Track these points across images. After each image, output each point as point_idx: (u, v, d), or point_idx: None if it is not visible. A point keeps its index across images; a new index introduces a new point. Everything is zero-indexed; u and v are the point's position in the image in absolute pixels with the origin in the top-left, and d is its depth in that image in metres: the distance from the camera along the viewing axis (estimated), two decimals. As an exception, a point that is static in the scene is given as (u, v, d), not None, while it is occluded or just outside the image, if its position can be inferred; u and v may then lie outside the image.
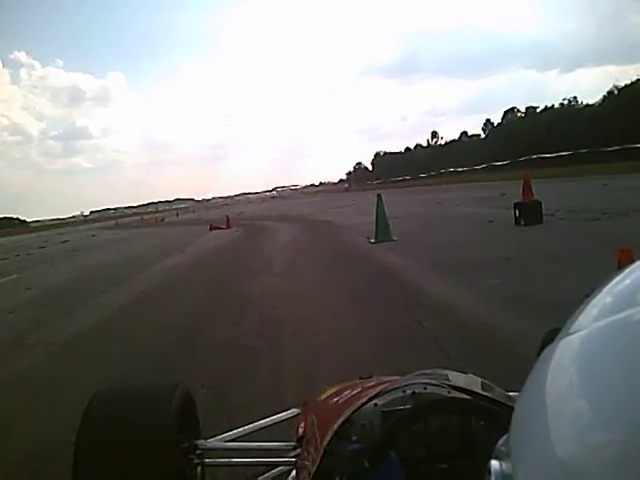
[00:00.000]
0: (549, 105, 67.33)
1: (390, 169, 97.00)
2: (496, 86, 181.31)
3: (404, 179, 74.44)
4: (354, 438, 1.05)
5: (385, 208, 11.13)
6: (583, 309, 0.51)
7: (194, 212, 67.04)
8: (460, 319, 4.70)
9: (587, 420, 0.39)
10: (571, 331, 0.48)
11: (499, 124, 77.94)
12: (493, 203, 16.93)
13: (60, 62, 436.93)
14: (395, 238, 10.77)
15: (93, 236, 32.08)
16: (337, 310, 5.61)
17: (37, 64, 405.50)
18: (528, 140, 53.50)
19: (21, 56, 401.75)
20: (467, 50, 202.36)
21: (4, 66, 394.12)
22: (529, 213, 10.41)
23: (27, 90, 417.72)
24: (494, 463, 0.51)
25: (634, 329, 0.41)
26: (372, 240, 10.89)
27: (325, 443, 1.08)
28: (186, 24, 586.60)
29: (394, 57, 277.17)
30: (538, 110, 69.41)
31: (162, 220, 47.90)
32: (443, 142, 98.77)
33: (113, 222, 59.19)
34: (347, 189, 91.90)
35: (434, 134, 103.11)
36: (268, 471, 1.56)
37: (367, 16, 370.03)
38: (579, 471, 0.36)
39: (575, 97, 63.63)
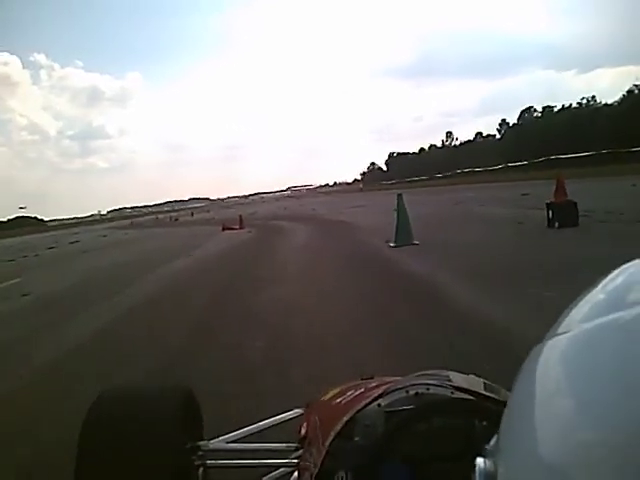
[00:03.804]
0: (566, 105, 66.59)
1: (404, 169, 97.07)
2: (511, 87, 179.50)
3: (420, 179, 73.51)
4: (357, 438, 1.05)
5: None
6: (571, 310, 0.51)
7: (209, 212, 66.75)
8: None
9: (572, 420, 0.39)
10: (559, 332, 0.49)
11: (515, 124, 77.21)
12: (517, 203, 16.05)
13: (80, 63, 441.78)
14: (417, 242, 9.89)
15: (104, 236, 31.69)
16: (361, 339, 4.36)
17: (57, 65, 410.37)
18: (545, 140, 52.79)
19: (41, 58, 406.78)
20: (482, 51, 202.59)
21: (24, 67, 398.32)
22: (563, 214, 9.55)
23: (47, 91, 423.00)
24: (479, 461, 0.51)
25: (621, 331, 0.42)
26: (392, 244, 10.03)
27: (328, 444, 1.07)
28: (202, 25, 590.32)
29: (409, 58, 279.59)
30: (555, 110, 68.58)
31: (176, 220, 47.49)
32: (458, 142, 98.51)
33: (128, 222, 59.15)
34: (361, 189, 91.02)
35: (449, 134, 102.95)
36: (270, 472, 1.53)
37: (382, 17, 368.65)
38: (562, 470, 0.37)
39: (594, 96, 62.64)
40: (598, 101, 60.30)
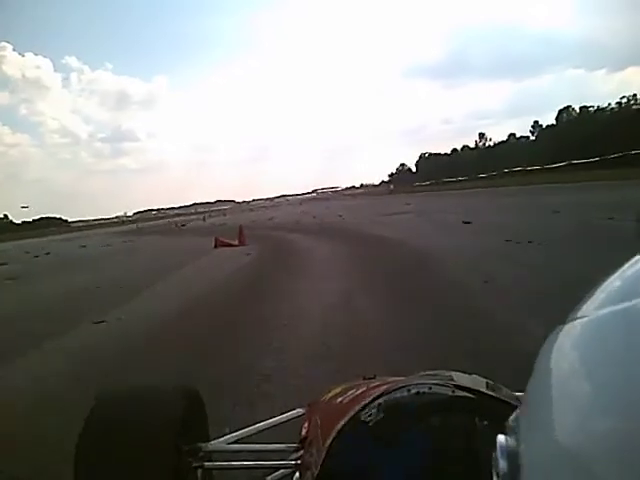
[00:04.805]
0: (604, 104, 64.86)
1: (435, 171, 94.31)
2: (542, 87, 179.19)
3: (458, 180, 67.07)
4: (359, 437, 1.05)
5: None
6: (590, 296, 0.53)
7: (225, 215, 61.53)
8: None
9: (589, 405, 0.41)
10: (577, 317, 0.51)
11: (548, 125, 76.26)
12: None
13: (109, 66, 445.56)
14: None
15: (82, 247, 26.26)
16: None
17: (87, 68, 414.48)
18: (583, 140, 51.10)
19: (72, 61, 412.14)
20: (510, 51, 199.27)
21: (55, 70, 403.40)
22: None
23: (77, 94, 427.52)
24: (501, 437, 0.53)
25: (635, 319, 0.43)
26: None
27: (328, 444, 1.07)
28: (228, 27, 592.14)
29: (438, 59, 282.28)
30: (592, 110, 67.02)
31: (182, 226, 42.22)
32: (492, 143, 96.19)
33: (134, 226, 54.38)
34: (391, 191, 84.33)
35: (482, 135, 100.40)
36: (271, 473, 1.49)
37: (410, 16, 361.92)
38: (581, 454, 0.38)
39: (635, 95, 59.91)
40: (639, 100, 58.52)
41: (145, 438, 1.30)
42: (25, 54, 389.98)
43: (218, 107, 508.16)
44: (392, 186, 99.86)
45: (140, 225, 55.65)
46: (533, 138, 80.00)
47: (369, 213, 25.56)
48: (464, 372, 1.16)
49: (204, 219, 52.76)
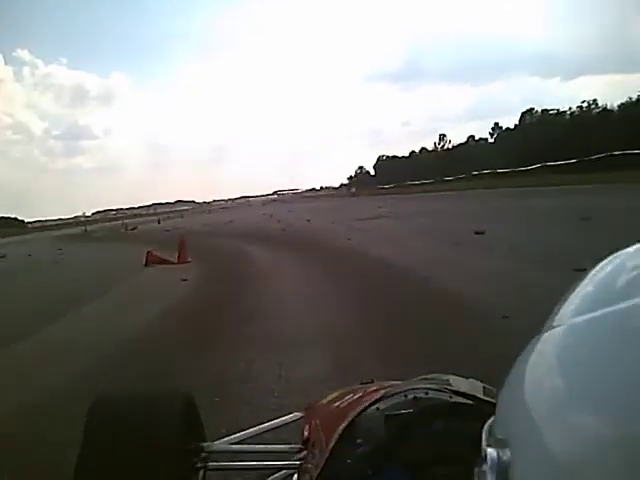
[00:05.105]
0: (565, 108, 64.93)
1: (394, 173, 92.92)
2: (498, 93, 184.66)
3: (422, 183, 66.07)
4: (358, 441, 1.04)
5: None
6: (564, 304, 0.54)
7: (182, 217, 57.65)
8: None
9: (575, 416, 0.41)
10: (553, 325, 0.51)
11: (508, 128, 75.82)
12: None
13: (64, 60, 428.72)
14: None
15: (3, 257, 22.79)
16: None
17: (40, 62, 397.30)
18: (546, 143, 50.65)
19: (24, 54, 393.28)
20: (468, 57, 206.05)
21: (6, 64, 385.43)
22: None
23: (30, 88, 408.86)
24: (490, 451, 0.52)
25: (611, 326, 0.44)
26: None
27: (330, 446, 1.08)
28: (189, 26, 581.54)
29: (395, 62, 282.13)
30: (554, 113, 66.35)
31: (133, 229, 38.93)
32: (451, 146, 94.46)
33: (83, 229, 50.41)
34: (354, 194, 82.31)
35: (442, 137, 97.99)
36: (273, 474, 1.46)
37: (369, 21, 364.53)
38: (572, 464, 0.38)
39: (595, 100, 59.36)
40: (600, 105, 57.83)
41: (148, 438, 1.28)
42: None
43: (179, 106, 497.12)
44: (354, 189, 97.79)
45: (89, 228, 51.40)
46: (492, 140, 79.01)
47: (340, 217, 23.32)
48: (462, 376, 1.15)
49: (159, 221, 49.13)
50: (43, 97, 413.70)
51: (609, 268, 0.55)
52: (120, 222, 54.46)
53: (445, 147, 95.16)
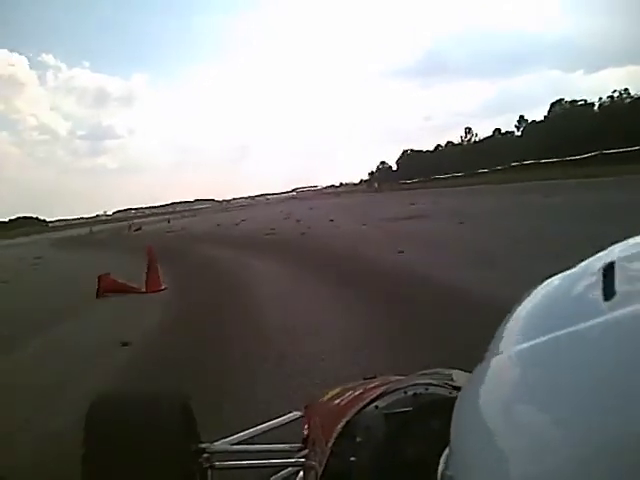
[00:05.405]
0: (594, 99, 63.26)
1: (417, 168, 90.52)
2: (521, 87, 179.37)
3: (453, 176, 62.35)
4: (358, 439, 1.02)
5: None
6: (504, 332, 0.53)
7: (195, 216, 54.42)
8: None
9: (514, 443, 0.40)
10: (500, 351, 0.51)
11: (540, 120, 72.57)
12: None
13: (86, 64, 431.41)
14: None
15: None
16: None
17: (64, 66, 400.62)
18: (576, 135, 48.84)
19: (49, 58, 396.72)
20: (487, 50, 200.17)
21: (32, 68, 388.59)
22: None
23: (54, 91, 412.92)
24: (441, 466, 0.52)
25: (559, 353, 0.43)
26: None
27: (331, 444, 1.07)
28: (209, 26, 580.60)
29: (415, 57, 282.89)
30: (582, 104, 64.85)
31: (137, 230, 35.84)
32: (477, 139, 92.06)
33: (88, 229, 47.97)
34: (377, 189, 78.21)
35: (468, 130, 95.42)
36: (276, 472, 1.48)
37: (390, 16, 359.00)
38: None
39: (627, 89, 57.40)
40: (633, 94, 55.72)
41: (152, 440, 1.28)
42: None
43: (199, 105, 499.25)
44: (377, 184, 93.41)
45: (94, 229, 48.90)
46: (519, 134, 76.86)
47: (370, 216, 19.49)
48: (464, 370, 1.09)
49: (168, 221, 45.81)
50: (67, 99, 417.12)
51: (544, 295, 0.54)
52: (132, 222, 51.44)
53: (472, 140, 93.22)
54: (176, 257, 12.98)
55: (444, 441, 0.85)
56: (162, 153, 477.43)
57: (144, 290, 8.39)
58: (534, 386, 0.43)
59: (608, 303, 0.42)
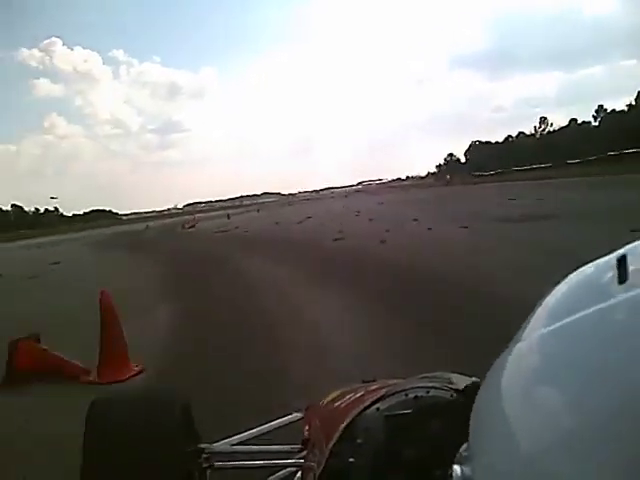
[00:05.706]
0: None
1: (487, 160, 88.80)
2: (593, 78, 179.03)
3: (539, 167, 57.13)
4: (358, 441, 1.03)
5: None
6: (531, 319, 0.55)
7: (258, 212, 51.79)
8: None
9: (540, 424, 0.42)
10: (522, 338, 0.52)
11: (630, 107, 68.39)
12: None
13: (157, 59, 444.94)
14: None
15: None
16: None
17: (135, 61, 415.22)
18: None
19: (119, 54, 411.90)
20: (558, 41, 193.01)
21: (104, 63, 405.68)
22: None
23: (127, 86, 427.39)
24: (456, 468, 0.54)
25: (579, 334, 0.45)
26: None
27: (331, 445, 1.07)
28: (275, 19, 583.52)
29: (485, 49, 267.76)
30: None
31: (191, 227, 33.49)
32: (551, 129, 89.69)
33: (145, 225, 47.18)
34: (448, 182, 72.76)
35: (543, 120, 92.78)
36: (275, 473, 1.48)
37: (457, 5, 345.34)
38: (535, 471, 0.40)
39: None
40: None
41: (152, 440, 1.28)
42: (74, 48, 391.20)
43: (265, 98, 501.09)
44: (449, 176, 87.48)
45: (151, 224, 48.24)
46: (596, 124, 75.16)
47: (460, 215, 15.58)
48: (464, 374, 1.12)
49: (228, 217, 43.30)
50: (139, 93, 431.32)
51: (574, 281, 0.55)
52: (192, 217, 49.66)
53: (546, 131, 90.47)
54: (204, 278, 9.52)
55: (444, 443, 0.82)
56: (230, 146, 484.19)
57: (94, 378, 4.38)
58: (556, 367, 0.44)
59: (622, 286, 0.45)
